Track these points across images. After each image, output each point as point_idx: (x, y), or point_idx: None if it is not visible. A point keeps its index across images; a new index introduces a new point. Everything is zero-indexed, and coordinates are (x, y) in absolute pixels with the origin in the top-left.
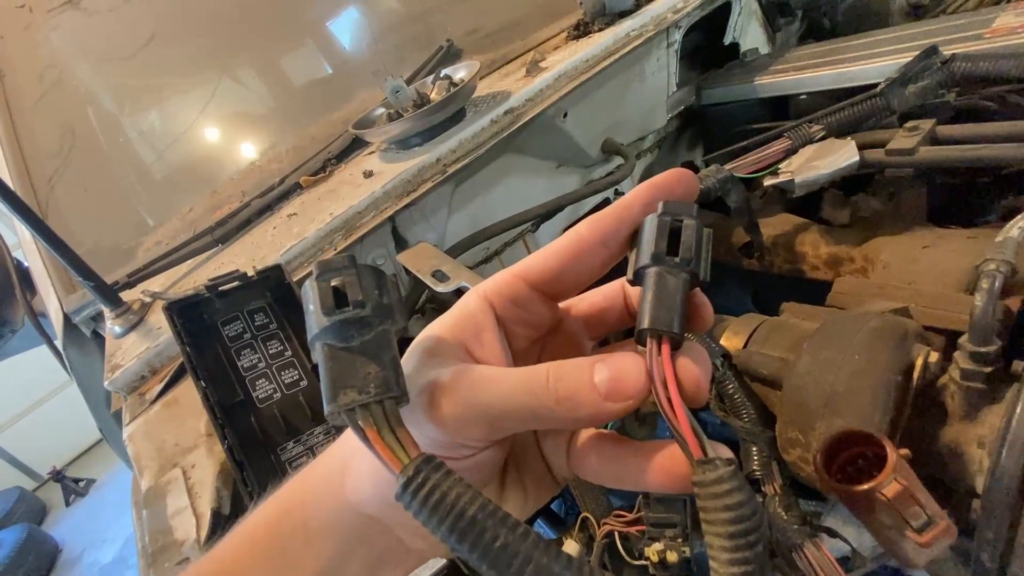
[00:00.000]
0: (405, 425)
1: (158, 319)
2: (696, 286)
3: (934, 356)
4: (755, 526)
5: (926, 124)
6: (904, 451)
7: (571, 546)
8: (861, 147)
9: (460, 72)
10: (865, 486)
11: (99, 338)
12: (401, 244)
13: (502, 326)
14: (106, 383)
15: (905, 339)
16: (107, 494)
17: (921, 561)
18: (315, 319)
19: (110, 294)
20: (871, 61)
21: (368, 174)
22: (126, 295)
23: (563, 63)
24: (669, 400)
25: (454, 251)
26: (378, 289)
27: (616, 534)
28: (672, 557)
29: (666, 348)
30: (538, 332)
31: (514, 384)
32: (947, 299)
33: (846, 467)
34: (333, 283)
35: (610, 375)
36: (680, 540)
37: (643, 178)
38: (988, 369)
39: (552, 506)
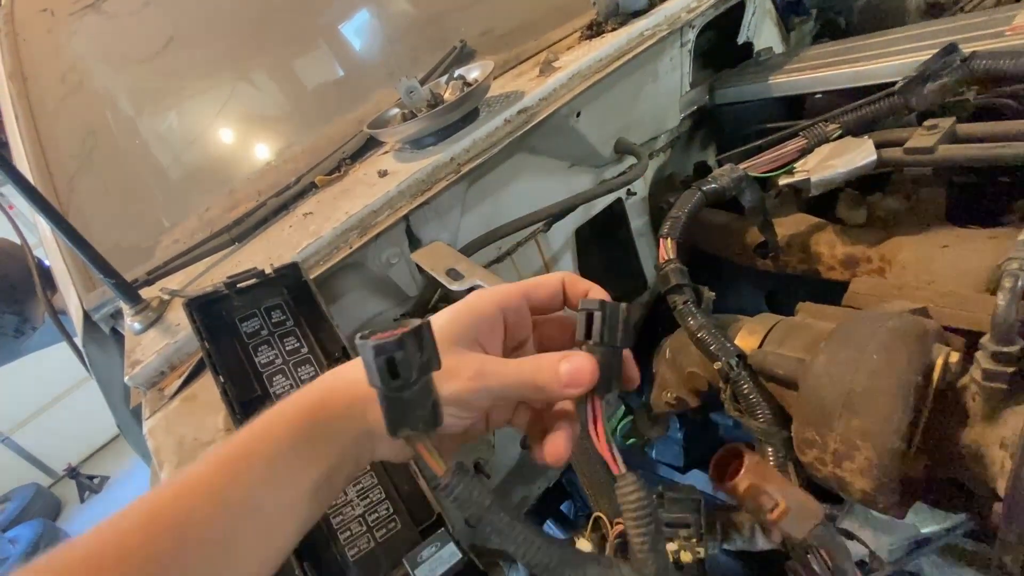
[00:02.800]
0: (443, 396)
1: (176, 316)
2: (619, 352)
3: (955, 356)
4: (649, 512)
5: (945, 122)
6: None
7: (584, 545)
8: (878, 146)
9: (474, 72)
10: (727, 483)
11: (118, 335)
12: (415, 243)
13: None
14: (126, 378)
15: (925, 339)
16: (120, 491)
17: (775, 539)
18: (375, 380)
19: (130, 291)
20: (888, 59)
21: (383, 173)
22: (145, 292)
23: (576, 63)
24: (597, 436)
25: (467, 250)
26: (420, 350)
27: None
28: (686, 557)
29: (592, 404)
30: (521, 336)
31: (510, 373)
32: (967, 299)
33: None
34: (387, 358)
35: (569, 370)
36: (695, 540)
37: (655, 178)
38: (1011, 369)
39: (561, 507)
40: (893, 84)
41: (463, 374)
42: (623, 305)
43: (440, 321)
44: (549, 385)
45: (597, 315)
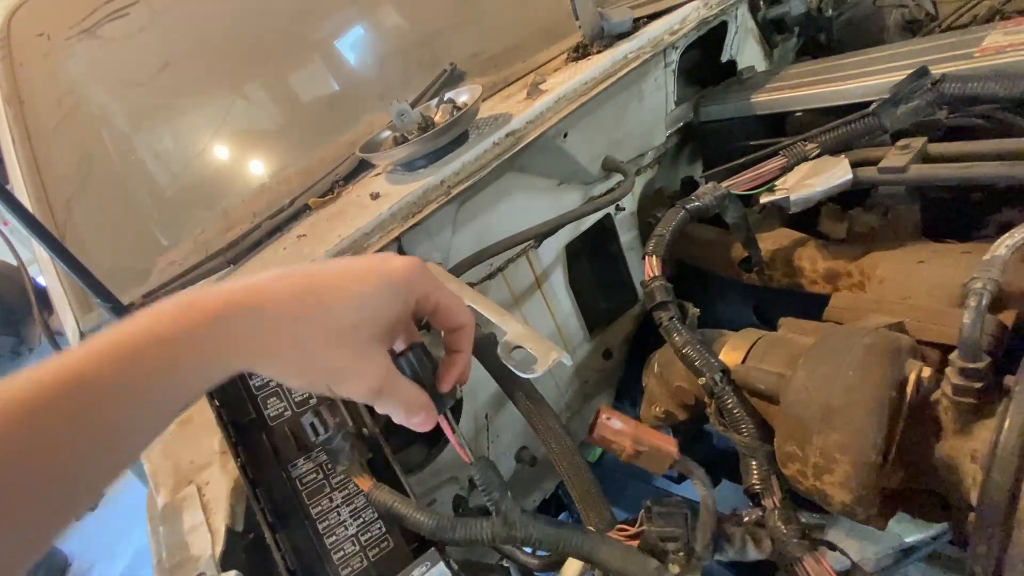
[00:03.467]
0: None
1: None
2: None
3: (927, 371)
4: (493, 481)
5: (917, 142)
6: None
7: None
8: (854, 164)
9: (463, 96)
10: (590, 436)
11: None
12: None
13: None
14: None
15: (898, 355)
16: (116, 509)
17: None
18: (308, 440)
19: (126, 314)
20: (865, 79)
21: (375, 196)
22: None
23: (563, 85)
24: (451, 437)
25: (459, 269)
26: (333, 415)
27: None
28: (674, 569)
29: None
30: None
31: (397, 400)
32: (942, 314)
33: None
34: (310, 422)
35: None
36: (682, 554)
37: (643, 193)
38: (978, 384)
39: (559, 518)
40: (868, 104)
41: (365, 380)
42: (418, 345)
43: (371, 306)
44: (408, 419)
45: (406, 366)
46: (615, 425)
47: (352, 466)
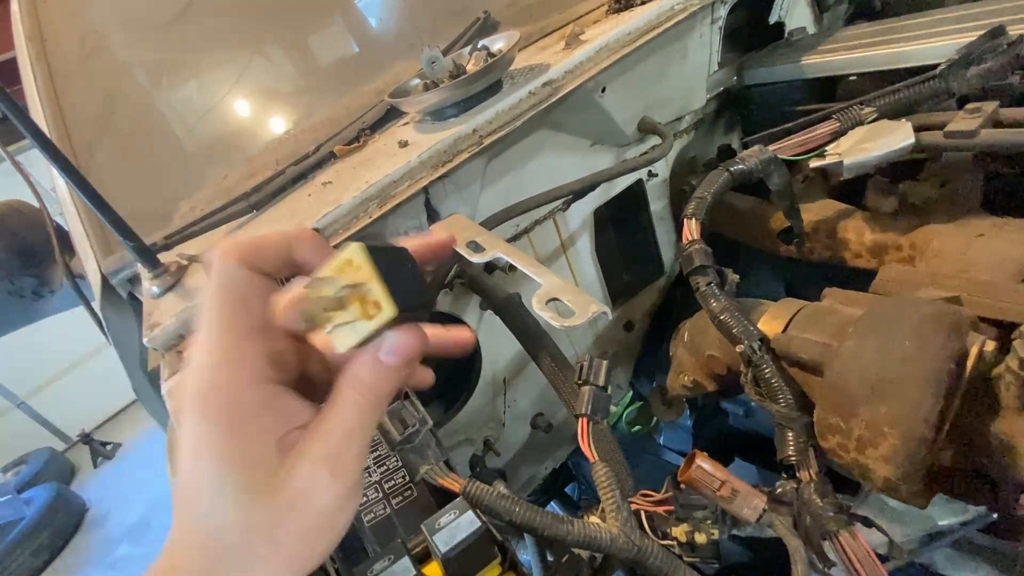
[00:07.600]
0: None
1: (194, 281)
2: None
3: (990, 345)
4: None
5: (988, 106)
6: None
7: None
8: (916, 129)
9: (498, 43)
10: (681, 476)
11: (135, 300)
12: (433, 216)
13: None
14: (145, 340)
15: (960, 327)
16: (133, 458)
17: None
18: (392, 438)
19: (149, 255)
20: (929, 41)
21: (403, 144)
22: (162, 257)
23: (605, 35)
24: None
25: (486, 225)
26: (416, 410)
27: (643, 513)
28: (701, 538)
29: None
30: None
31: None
32: (1003, 289)
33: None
34: (400, 417)
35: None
36: (710, 522)
37: (678, 161)
38: None
39: (566, 489)
40: (932, 67)
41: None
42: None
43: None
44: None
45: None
46: (708, 467)
47: (437, 465)
